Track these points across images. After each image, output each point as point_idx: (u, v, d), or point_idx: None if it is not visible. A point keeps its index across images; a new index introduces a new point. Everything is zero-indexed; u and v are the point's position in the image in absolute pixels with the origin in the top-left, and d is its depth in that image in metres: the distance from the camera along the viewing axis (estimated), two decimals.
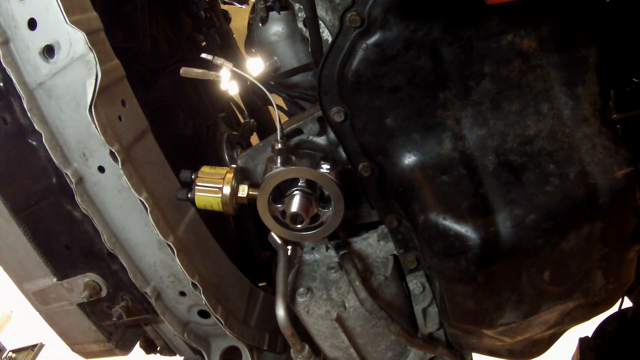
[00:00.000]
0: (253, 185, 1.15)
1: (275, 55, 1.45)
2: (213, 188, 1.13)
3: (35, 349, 3.14)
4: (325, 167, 1.08)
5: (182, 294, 1.28)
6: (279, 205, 1.14)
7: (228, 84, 1.91)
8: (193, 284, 1.22)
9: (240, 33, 1.80)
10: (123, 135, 1.13)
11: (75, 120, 1.09)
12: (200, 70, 1.14)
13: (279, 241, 1.20)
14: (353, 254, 1.27)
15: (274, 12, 1.35)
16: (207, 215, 1.28)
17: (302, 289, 1.25)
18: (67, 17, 1.01)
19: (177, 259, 1.17)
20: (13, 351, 3.37)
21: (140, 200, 1.12)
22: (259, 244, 1.83)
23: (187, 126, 1.73)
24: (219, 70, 1.18)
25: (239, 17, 2.25)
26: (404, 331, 1.22)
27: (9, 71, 1.06)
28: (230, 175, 1.13)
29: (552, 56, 1.04)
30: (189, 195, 1.15)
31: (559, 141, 1.06)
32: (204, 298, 1.23)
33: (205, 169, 1.16)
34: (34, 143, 1.14)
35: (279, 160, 1.09)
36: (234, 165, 1.21)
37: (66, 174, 1.12)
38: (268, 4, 1.31)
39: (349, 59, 1.01)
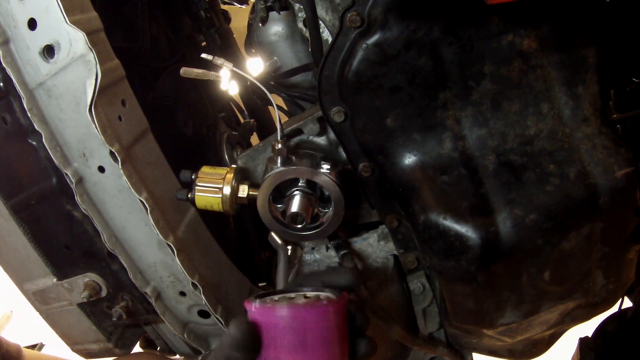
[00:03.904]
0: (253, 185, 1.15)
1: (275, 55, 1.44)
2: (213, 188, 1.13)
3: (35, 349, 3.14)
4: (325, 167, 1.08)
5: (182, 294, 1.28)
6: (279, 205, 1.14)
7: (228, 84, 1.91)
8: (193, 284, 1.22)
9: (240, 33, 1.80)
10: (123, 135, 1.12)
11: (75, 120, 1.08)
12: (200, 70, 1.14)
13: (279, 241, 1.20)
14: (353, 254, 1.27)
15: (274, 12, 1.34)
16: (207, 215, 1.28)
17: None
18: (67, 17, 1.01)
19: (177, 259, 1.17)
20: None
21: (140, 200, 1.12)
22: (259, 244, 1.83)
23: (187, 126, 1.73)
24: (219, 70, 1.18)
25: (239, 17, 2.25)
26: (404, 331, 1.22)
27: (9, 71, 1.06)
28: (230, 176, 1.13)
29: (552, 56, 1.04)
30: (189, 196, 1.15)
31: (559, 141, 1.06)
32: (204, 298, 1.23)
33: (205, 169, 1.16)
34: (34, 143, 1.14)
35: (279, 160, 1.08)
36: (234, 165, 1.21)
37: (66, 174, 1.11)
38: (268, 4, 1.31)
39: (349, 59, 1.00)
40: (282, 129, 1.10)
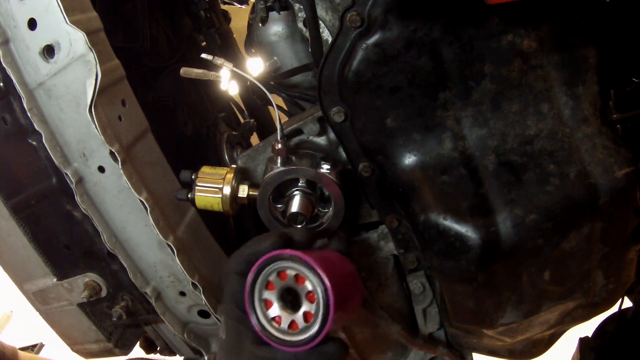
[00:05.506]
0: (253, 185, 1.15)
1: (275, 55, 1.44)
2: (213, 188, 1.13)
3: (35, 349, 3.14)
4: (325, 167, 1.08)
5: (182, 294, 1.28)
6: (279, 206, 1.14)
7: (228, 84, 1.91)
8: (193, 284, 1.22)
9: (240, 33, 1.80)
10: (123, 135, 1.13)
11: (75, 120, 1.09)
12: (200, 70, 1.14)
13: None
14: (353, 254, 1.27)
15: (274, 12, 1.34)
16: (207, 215, 1.28)
17: None
18: (67, 17, 1.01)
19: (177, 259, 1.17)
20: None
21: (140, 200, 1.12)
22: None
23: (187, 126, 1.73)
24: (219, 70, 1.18)
25: (239, 17, 2.25)
26: (404, 331, 1.22)
27: (9, 71, 1.06)
28: (230, 176, 1.13)
29: (552, 56, 1.04)
30: (189, 196, 1.15)
31: (559, 141, 1.06)
32: (203, 298, 1.23)
33: (205, 169, 1.16)
34: (34, 143, 1.14)
35: (279, 161, 1.08)
36: (234, 166, 1.21)
37: (66, 174, 1.11)
38: (268, 4, 1.31)
39: (349, 59, 1.00)
40: (282, 129, 1.09)
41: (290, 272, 0.87)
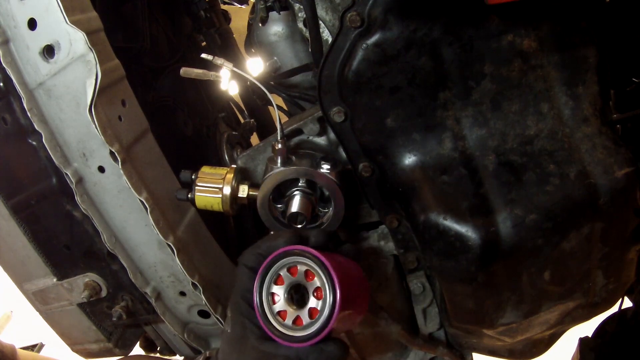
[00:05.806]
0: (253, 185, 1.15)
1: (275, 55, 1.44)
2: (213, 188, 1.13)
3: (35, 349, 3.14)
4: (325, 167, 1.08)
5: (182, 294, 1.28)
6: (279, 205, 1.14)
7: (228, 84, 1.91)
8: (193, 284, 1.22)
9: (240, 33, 1.80)
10: (123, 135, 1.13)
11: (75, 120, 1.09)
12: (200, 70, 1.14)
13: None
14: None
15: (274, 12, 1.35)
16: (207, 215, 1.28)
17: None
18: (67, 17, 1.01)
19: (177, 259, 1.17)
20: None
21: (140, 200, 1.12)
22: None
23: (187, 126, 1.73)
24: (219, 70, 1.18)
25: (239, 17, 2.25)
26: (404, 331, 1.22)
27: (9, 71, 1.06)
28: (230, 176, 1.13)
29: (552, 56, 1.04)
30: (189, 196, 1.15)
31: (559, 141, 1.06)
32: (204, 298, 1.23)
33: (205, 169, 1.16)
34: (34, 143, 1.14)
35: (279, 161, 1.08)
36: (234, 166, 1.21)
37: (66, 174, 1.11)
38: (268, 4, 1.31)
39: (349, 59, 1.00)
40: (282, 129, 1.10)
41: (301, 268, 0.88)
